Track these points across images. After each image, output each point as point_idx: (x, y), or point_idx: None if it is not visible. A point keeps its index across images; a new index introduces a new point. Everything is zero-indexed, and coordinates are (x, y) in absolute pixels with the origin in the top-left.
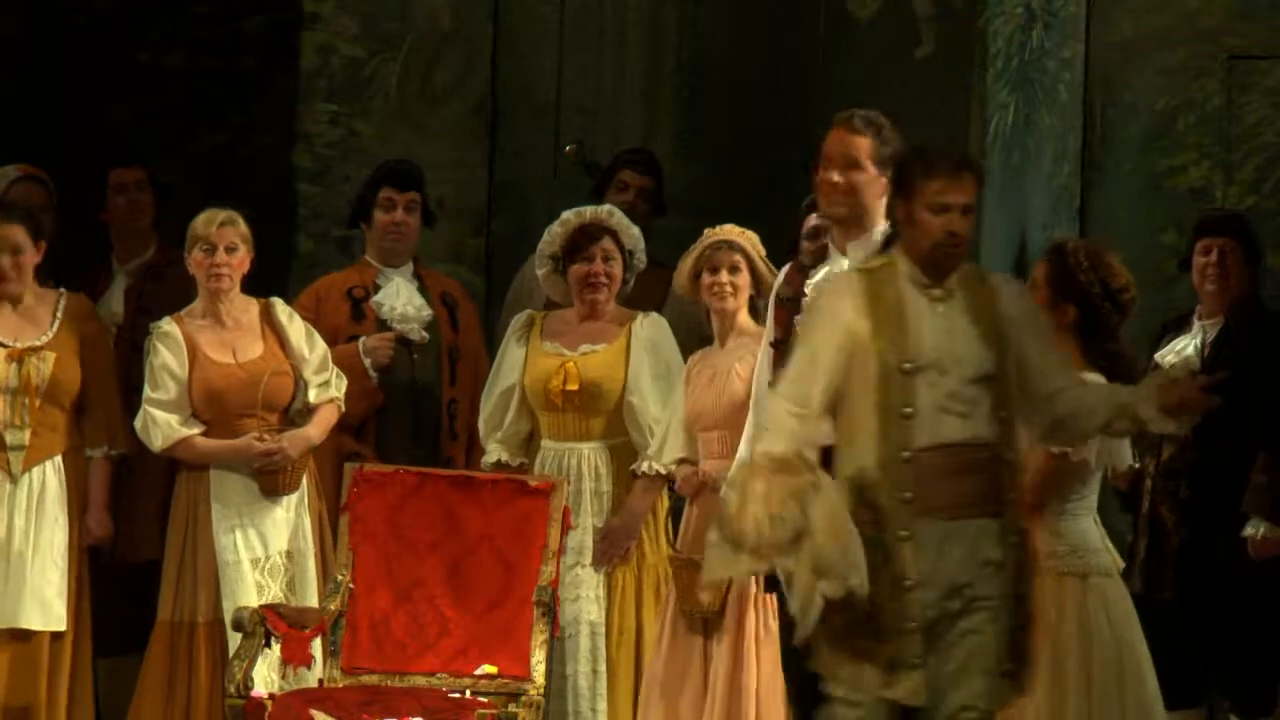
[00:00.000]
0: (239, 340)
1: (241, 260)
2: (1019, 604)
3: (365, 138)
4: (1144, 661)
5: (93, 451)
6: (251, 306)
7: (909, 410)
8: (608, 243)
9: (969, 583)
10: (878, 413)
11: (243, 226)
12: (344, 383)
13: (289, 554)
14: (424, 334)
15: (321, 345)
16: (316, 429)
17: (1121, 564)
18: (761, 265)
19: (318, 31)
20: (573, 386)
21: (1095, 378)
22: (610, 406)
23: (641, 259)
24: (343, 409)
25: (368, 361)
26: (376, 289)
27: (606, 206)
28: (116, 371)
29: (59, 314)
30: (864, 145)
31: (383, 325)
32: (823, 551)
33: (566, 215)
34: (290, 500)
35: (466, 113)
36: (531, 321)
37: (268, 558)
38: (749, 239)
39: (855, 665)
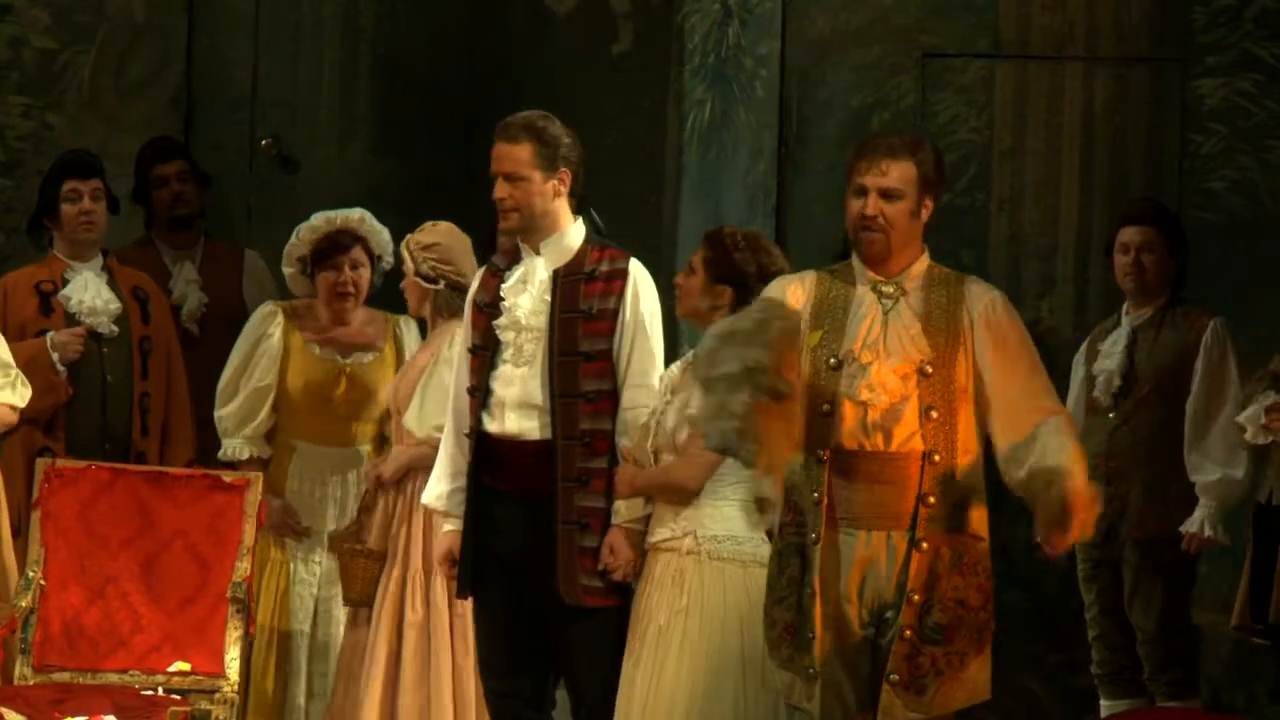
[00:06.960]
0: None
1: None
2: (927, 614)
3: (58, 131)
4: None
5: None
6: None
7: (827, 408)
8: (357, 252)
9: (880, 597)
10: (806, 410)
11: None
12: (27, 390)
13: None
14: (113, 327)
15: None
16: None
17: None
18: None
19: (9, 23)
20: (355, 395)
21: None
22: (379, 414)
23: (389, 261)
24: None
25: (55, 356)
26: (65, 283)
27: (358, 212)
28: None
29: None
30: (523, 154)
31: (71, 319)
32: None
33: (316, 220)
34: None
35: (161, 105)
36: (276, 314)
37: None
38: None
39: (787, 675)
